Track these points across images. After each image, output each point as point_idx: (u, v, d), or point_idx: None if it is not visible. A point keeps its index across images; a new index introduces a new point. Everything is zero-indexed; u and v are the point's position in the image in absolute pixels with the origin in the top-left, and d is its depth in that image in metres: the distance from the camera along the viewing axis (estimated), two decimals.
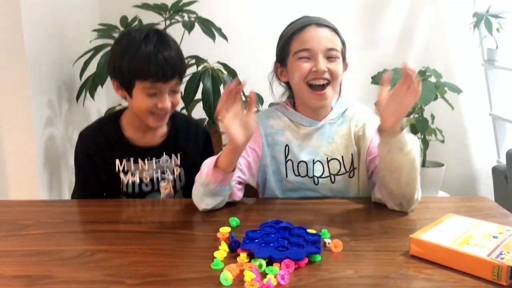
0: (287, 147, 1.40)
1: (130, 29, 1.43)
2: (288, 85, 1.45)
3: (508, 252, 0.94)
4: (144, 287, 0.92)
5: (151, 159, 1.45)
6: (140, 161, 1.45)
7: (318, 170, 1.39)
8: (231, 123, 1.19)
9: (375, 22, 2.94)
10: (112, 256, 1.04)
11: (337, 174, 1.39)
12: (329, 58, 1.33)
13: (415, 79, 1.18)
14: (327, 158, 1.39)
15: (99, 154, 1.44)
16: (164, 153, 1.47)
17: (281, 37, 1.43)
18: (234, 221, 1.19)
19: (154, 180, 1.47)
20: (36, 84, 2.03)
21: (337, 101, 1.44)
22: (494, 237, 1.01)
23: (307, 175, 1.39)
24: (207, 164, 1.26)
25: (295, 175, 1.40)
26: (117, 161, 1.44)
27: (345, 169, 1.39)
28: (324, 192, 1.40)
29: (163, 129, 1.49)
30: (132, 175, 1.45)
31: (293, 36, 1.36)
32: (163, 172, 1.47)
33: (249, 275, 0.92)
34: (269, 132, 1.42)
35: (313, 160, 1.39)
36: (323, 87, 1.33)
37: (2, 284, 0.93)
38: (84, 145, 1.46)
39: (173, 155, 1.48)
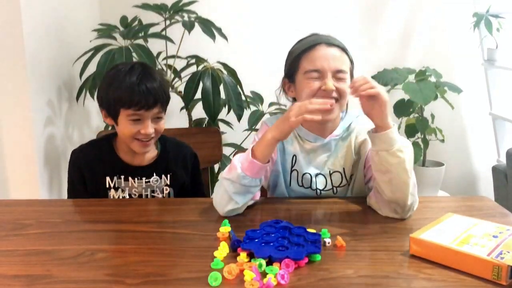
0: (294, 157, 1.41)
1: (118, 63, 1.52)
2: (294, 100, 1.43)
3: (508, 252, 0.94)
4: (144, 287, 0.92)
5: (141, 179, 1.49)
6: (130, 179, 1.49)
7: (321, 182, 1.40)
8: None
9: (375, 22, 2.94)
10: (112, 256, 1.04)
11: (339, 186, 1.41)
12: (338, 78, 1.33)
13: (363, 88, 1.20)
14: (329, 171, 1.40)
15: (89, 170, 1.49)
16: (154, 174, 1.51)
17: (290, 53, 1.43)
18: (225, 224, 1.18)
19: (143, 197, 1.51)
20: (36, 84, 2.03)
21: (344, 115, 1.44)
22: (494, 236, 1.01)
23: (310, 187, 1.41)
24: (239, 159, 1.25)
25: (299, 185, 1.42)
26: (108, 178, 1.48)
27: (346, 180, 1.41)
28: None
29: (154, 152, 1.54)
30: (122, 191, 1.49)
31: (302, 54, 1.36)
32: (152, 191, 1.51)
33: (249, 275, 0.92)
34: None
35: (316, 174, 1.40)
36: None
37: (2, 284, 0.93)
38: (75, 161, 1.51)
39: (163, 176, 1.52)
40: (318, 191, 1.41)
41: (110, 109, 1.44)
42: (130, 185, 1.48)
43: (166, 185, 1.52)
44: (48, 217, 1.27)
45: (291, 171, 1.42)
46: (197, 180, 1.61)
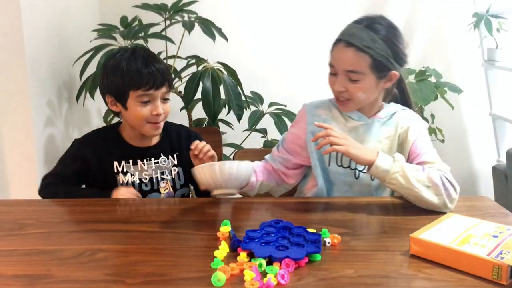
0: None
1: (114, 51, 1.55)
2: None
3: (508, 252, 0.94)
4: (144, 287, 0.92)
5: (150, 160, 1.51)
6: (139, 162, 1.50)
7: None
8: None
9: None
10: (112, 256, 1.04)
11: None
12: (350, 79, 1.35)
13: (325, 151, 1.29)
14: None
15: (96, 156, 1.49)
16: (162, 154, 1.53)
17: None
18: (226, 224, 1.17)
19: (154, 180, 1.51)
20: (36, 84, 2.03)
21: (389, 103, 1.47)
22: (494, 236, 1.01)
23: (349, 166, 1.41)
24: None
25: (338, 165, 1.42)
26: (115, 163, 1.49)
27: None
28: (360, 188, 1.42)
29: (157, 136, 1.56)
30: (131, 175, 1.49)
31: (332, 46, 1.40)
32: (162, 173, 1.52)
33: (249, 275, 0.92)
34: (316, 121, 1.42)
35: None
36: (343, 101, 1.40)
37: (2, 284, 0.93)
38: (79, 149, 1.51)
39: (170, 156, 1.54)
40: (357, 171, 1.41)
41: (118, 93, 1.45)
42: (139, 168, 1.50)
43: (174, 165, 1.54)
44: (48, 217, 1.27)
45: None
46: None
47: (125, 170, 1.49)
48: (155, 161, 1.52)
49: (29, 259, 1.03)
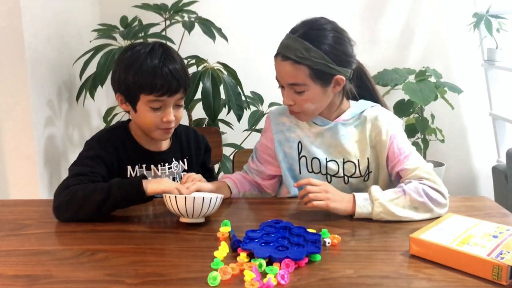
0: (300, 144, 1.41)
1: (134, 43, 1.41)
2: None
3: (508, 252, 0.94)
4: (144, 287, 0.92)
5: (164, 165, 1.44)
6: (153, 167, 1.43)
7: (332, 169, 1.38)
8: None
9: (375, 22, 2.94)
10: (112, 256, 1.04)
11: (351, 176, 1.38)
12: (295, 91, 1.31)
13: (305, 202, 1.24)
14: (343, 160, 1.38)
15: (113, 159, 1.39)
16: (173, 159, 1.47)
17: None
18: (226, 224, 1.18)
19: None
20: (36, 84, 2.03)
21: (356, 102, 1.43)
22: (494, 236, 1.01)
23: (320, 171, 1.39)
24: None
25: (309, 171, 1.40)
26: (129, 168, 1.41)
27: (360, 173, 1.38)
28: None
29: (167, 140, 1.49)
30: None
31: (274, 60, 1.35)
32: (173, 179, 1.46)
33: (249, 275, 0.92)
34: (280, 129, 1.43)
35: (326, 159, 1.39)
36: (296, 113, 1.36)
37: (2, 284, 0.93)
38: (94, 150, 1.37)
39: (180, 161, 1.49)
40: (329, 176, 1.39)
41: (128, 94, 1.34)
42: (153, 174, 1.42)
43: (184, 170, 1.48)
44: (48, 217, 1.27)
45: (299, 158, 1.41)
46: (208, 161, 1.58)
47: (138, 175, 1.39)
48: (168, 166, 1.44)
49: (29, 259, 1.03)
